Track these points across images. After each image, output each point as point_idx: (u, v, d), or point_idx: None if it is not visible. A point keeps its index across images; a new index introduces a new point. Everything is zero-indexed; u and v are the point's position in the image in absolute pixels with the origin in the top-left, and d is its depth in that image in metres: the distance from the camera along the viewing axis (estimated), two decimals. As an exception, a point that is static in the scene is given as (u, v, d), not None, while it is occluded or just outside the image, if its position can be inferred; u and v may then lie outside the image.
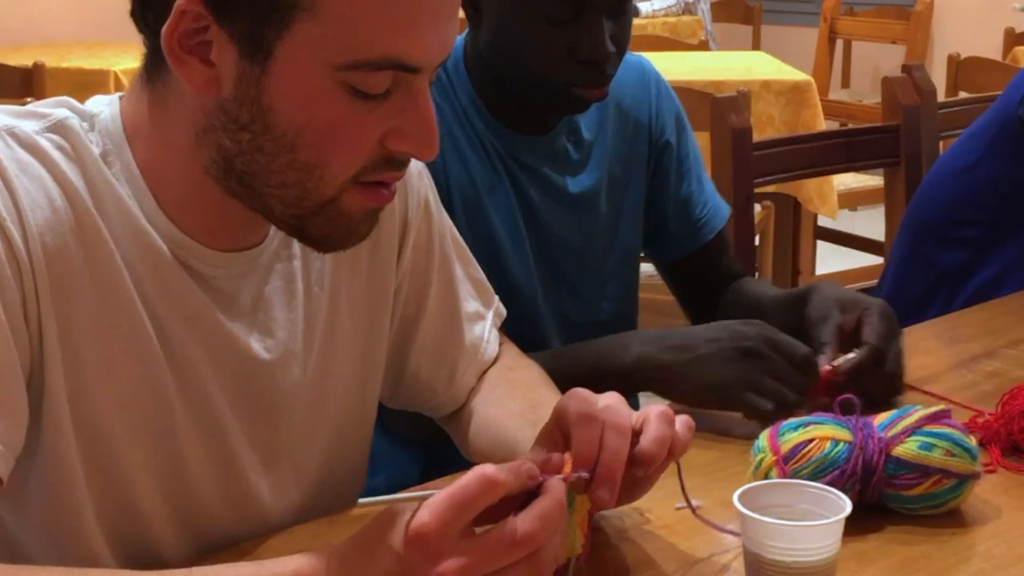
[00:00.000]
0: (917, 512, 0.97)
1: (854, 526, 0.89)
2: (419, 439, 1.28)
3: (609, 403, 0.86)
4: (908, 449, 0.97)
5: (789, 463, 0.97)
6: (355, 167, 0.83)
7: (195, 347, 0.90)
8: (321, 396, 1.00)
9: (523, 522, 0.73)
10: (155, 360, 0.88)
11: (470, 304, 1.13)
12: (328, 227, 0.85)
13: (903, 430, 0.98)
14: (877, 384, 1.15)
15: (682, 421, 0.89)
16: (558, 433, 0.88)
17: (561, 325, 1.32)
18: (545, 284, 1.30)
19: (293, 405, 0.98)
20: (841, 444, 0.97)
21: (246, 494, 0.95)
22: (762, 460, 0.99)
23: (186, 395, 0.90)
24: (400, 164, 0.84)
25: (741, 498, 0.82)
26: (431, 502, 0.72)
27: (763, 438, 1.00)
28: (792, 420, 1.00)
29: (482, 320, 1.14)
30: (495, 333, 1.15)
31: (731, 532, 0.91)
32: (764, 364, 1.11)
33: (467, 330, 1.12)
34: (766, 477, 0.98)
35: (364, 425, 1.08)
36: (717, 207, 1.41)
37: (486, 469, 0.73)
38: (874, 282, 1.84)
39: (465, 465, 1.06)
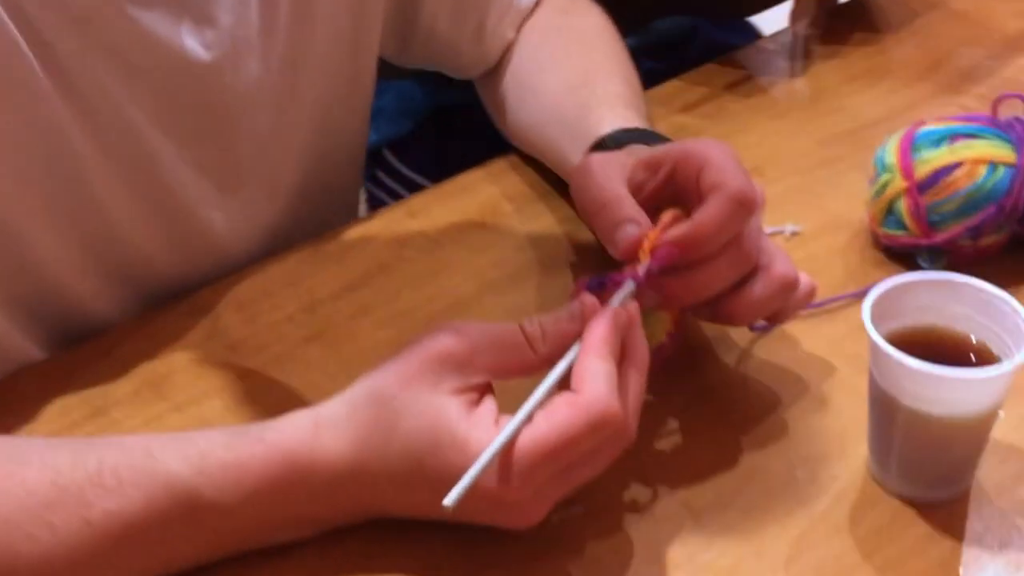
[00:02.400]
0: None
1: (1006, 269, 0.72)
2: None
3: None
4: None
5: (925, 193, 0.75)
6: None
7: (94, 57, 0.67)
8: (292, 86, 0.79)
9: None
10: (36, 87, 0.65)
11: None
12: None
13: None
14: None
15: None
16: (662, 176, 0.66)
17: None
18: None
19: (252, 109, 0.77)
20: (1001, 169, 0.74)
21: (193, 232, 0.77)
22: (887, 183, 0.77)
23: (91, 124, 0.69)
24: None
25: (875, 306, 0.62)
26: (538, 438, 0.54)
27: (891, 147, 0.77)
28: (929, 127, 0.77)
29: None
30: None
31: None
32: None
33: None
34: (889, 207, 0.77)
35: (359, 100, 0.87)
36: None
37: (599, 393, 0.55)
38: None
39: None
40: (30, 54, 0.64)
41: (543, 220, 0.85)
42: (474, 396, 0.57)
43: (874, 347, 0.59)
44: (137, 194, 0.73)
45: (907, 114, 0.93)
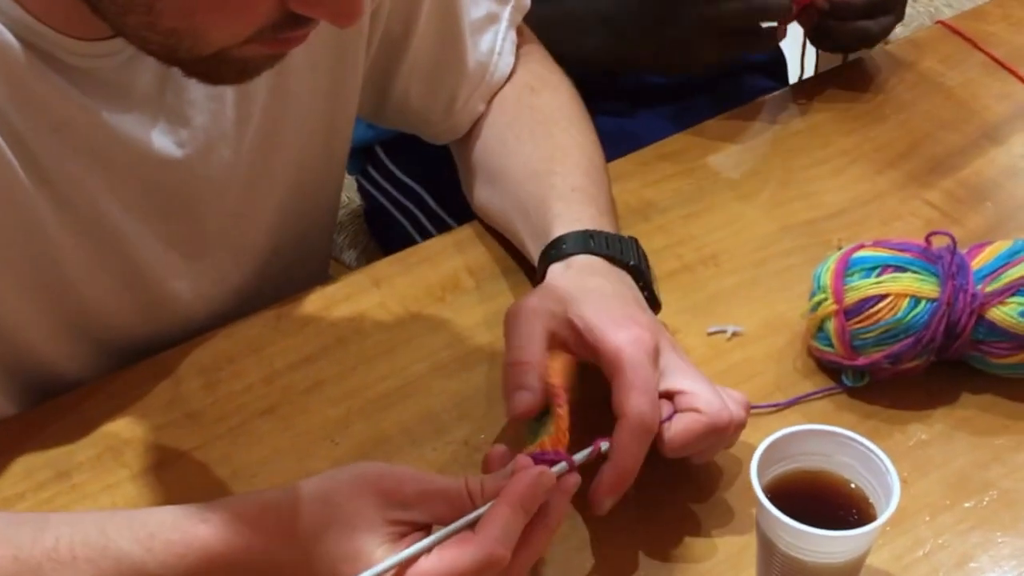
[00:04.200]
0: (1005, 375, 0.84)
1: (923, 389, 0.81)
2: None
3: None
4: (1007, 314, 0.81)
5: (851, 319, 0.82)
6: (243, 34, 0.62)
7: (74, 161, 0.75)
8: (265, 165, 0.87)
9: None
10: (17, 186, 0.74)
11: (478, 7, 0.93)
12: (216, 70, 0.66)
13: (1006, 287, 0.81)
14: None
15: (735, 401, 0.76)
16: (581, 347, 0.76)
17: None
18: None
19: (223, 190, 0.85)
20: (923, 304, 0.81)
21: (160, 300, 0.85)
22: (820, 302, 0.84)
23: (67, 214, 0.77)
24: (308, 20, 0.63)
25: (764, 456, 0.69)
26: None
27: (827, 270, 0.84)
28: (864, 252, 0.83)
29: (494, 24, 0.95)
30: (511, 37, 0.97)
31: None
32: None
33: (472, 47, 0.94)
34: (821, 326, 0.84)
35: (332, 170, 0.95)
36: None
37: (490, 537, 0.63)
38: None
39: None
40: (13, 159, 0.72)
41: (501, 299, 0.92)
42: (407, 530, 0.65)
43: (757, 495, 0.67)
44: (107, 270, 0.81)
45: (870, 205, 1.00)
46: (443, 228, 1.15)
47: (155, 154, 0.78)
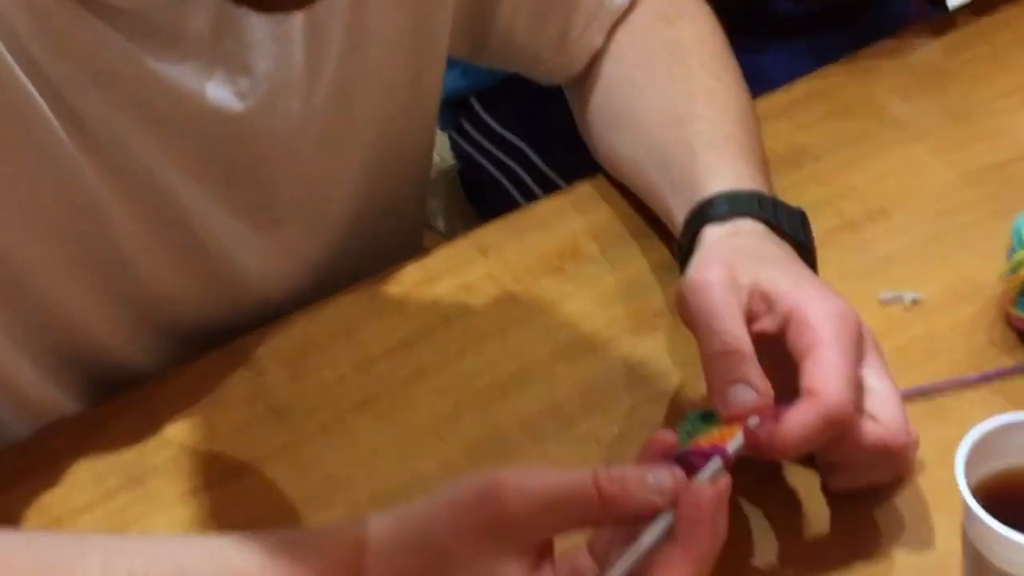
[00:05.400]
0: None
1: None
2: None
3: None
4: None
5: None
6: None
7: (120, 117, 0.66)
8: (343, 118, 0.77)
9: None
10: (60, 149, 0.65)
11: None
12: None
13: None
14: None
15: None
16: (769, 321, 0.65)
17: None
18: None
19: (294, 148, 0.75)
20: None
21: (228, 276, 0.77)
22: (1021, 262, 0.71)
23: (116, 179, 0.68)
24: None
25: (972, 452, 0.57)
26: None
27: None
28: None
29: None
30: None
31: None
32: None
33: None
34: (1022, 289, 0.71)
35: (421, 120, 0.85)
36: None
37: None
38: None
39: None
40: (52, 117, 0.64)
41: (631, 266, 0.81)
42: (533, 560, 0.54)
43: (965, 501, 0.55)
44: (165, 243, 0.73)
45: (1071, 141, 0.86)
46: (550, 189, 1.05)
47: (212, 107, 0.69)
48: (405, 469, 0.70)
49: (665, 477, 0.55)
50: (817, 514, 0.65)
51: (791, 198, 0.75)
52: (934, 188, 0.84)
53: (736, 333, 0.63)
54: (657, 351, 0.75)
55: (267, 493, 0.70)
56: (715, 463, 0.58)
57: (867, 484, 0.65)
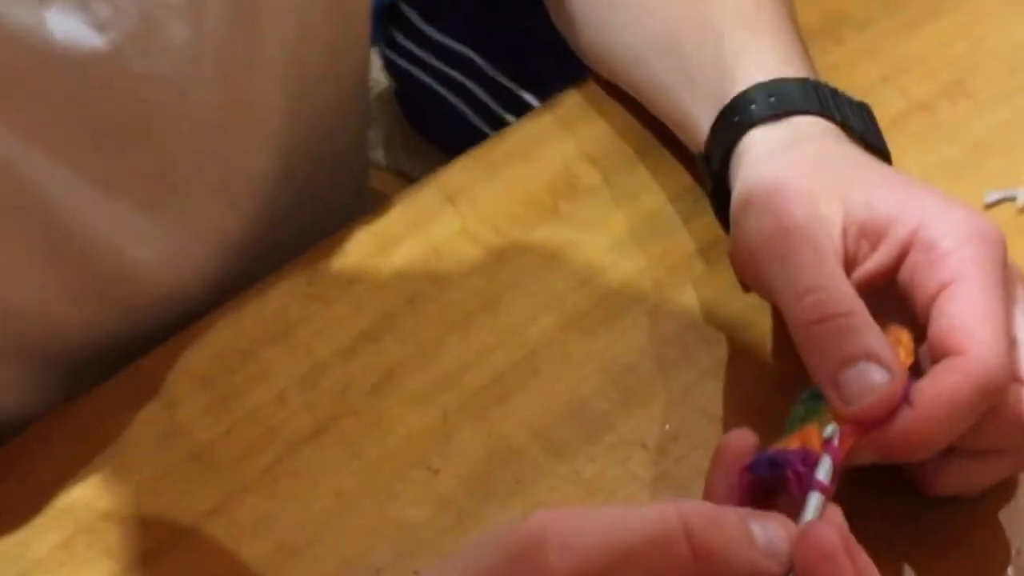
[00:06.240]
0: None
1: None
2: None
3: None
4: None
5: None
6: None
7: None
8: (248, 43, 0.59)
9: None
10: None
11: None
12: None
13: None
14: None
15: None
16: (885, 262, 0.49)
17: None
18: None
19: (182, 91, 0.58)
20: None
21: (112, 278, 0.60)
22: None
23: None
24: None
25: None
26: None
27: None
28: None
29: None
30: None
31: None
32: None
33: None
34: None
35: (351, 30, 0.68)
36: None
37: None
38: None
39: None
40: None
41: (647, 196, 0.63)
42: None
43: None
44: (17, 243, 0.56)
45: None
46: (513, 103, 0.94)
47: (59, 47, 0.51)
48: (385, 519, 0.53)
49: (774, 531, 0.39)
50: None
51: (835, 83, 0.58)
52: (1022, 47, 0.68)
53: (840, 287, 0.47)
54: (704, 304, 0.59)
55: (199, 576, 0.52)
56: (824, 465, 0.43)
57: (986, 482, 0.49)
